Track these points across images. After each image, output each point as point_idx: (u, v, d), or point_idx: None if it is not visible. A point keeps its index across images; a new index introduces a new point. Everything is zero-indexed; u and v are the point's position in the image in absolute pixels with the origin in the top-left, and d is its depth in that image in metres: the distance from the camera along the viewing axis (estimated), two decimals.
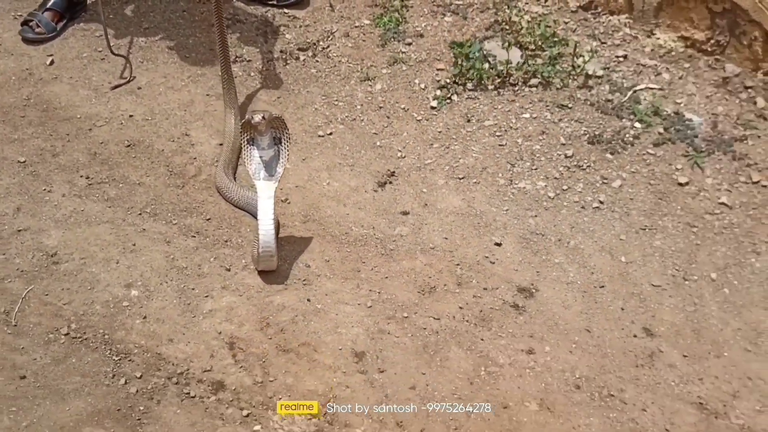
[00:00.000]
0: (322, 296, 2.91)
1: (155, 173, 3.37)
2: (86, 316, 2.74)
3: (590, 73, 4.03)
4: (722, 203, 3.48)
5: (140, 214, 3.16)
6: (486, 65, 3.99)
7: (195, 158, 3.50)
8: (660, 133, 3.76)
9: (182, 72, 4.00)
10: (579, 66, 4.03)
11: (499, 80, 3.99)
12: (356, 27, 4.35)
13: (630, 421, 2.62)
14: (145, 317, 2.76)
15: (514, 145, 3.72)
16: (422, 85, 4.02)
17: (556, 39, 4.14)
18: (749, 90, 3.97)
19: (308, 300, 2.89)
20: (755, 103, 3.90)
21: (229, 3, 4.38)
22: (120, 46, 4.10)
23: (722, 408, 2.71)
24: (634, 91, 3.98)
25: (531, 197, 3.50)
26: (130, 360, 2.63)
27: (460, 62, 4.04)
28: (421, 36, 4.28)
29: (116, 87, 3.87)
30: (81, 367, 2.59)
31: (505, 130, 3.79)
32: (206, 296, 2.85)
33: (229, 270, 2.97)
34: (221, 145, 3.58)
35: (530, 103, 3.91)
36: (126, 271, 2.90)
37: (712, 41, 4.07)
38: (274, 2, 4.36)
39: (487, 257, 3.19)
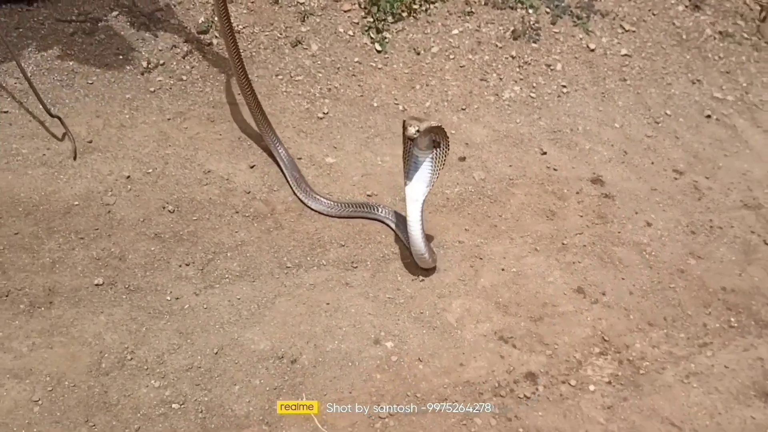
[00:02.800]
0: (503, 260, 3.07)
1: (239, 225, 2.94)
2: (380, 391, 2.53)
3: None
4: (625, 55, 4.34)
5: (287, 273, 2.81)
6: None
7: (248, 192, 3.09)
8: (548, 12, 4.37)
9: (111, 102, 3.30)
10: None
11: (408, 6, 4.11)
12: None
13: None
14: (420, 359, 2.65)
15: (471, 63, 4.00)
16: (350, 32, 3.95)
17: None
18: None
19: (502, 270, 3.03)
20: None
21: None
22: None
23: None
24: None
25: (521, 102, 3.90)
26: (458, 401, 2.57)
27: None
28: None
29: (75, 155, 3.08)
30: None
31: (453, 51, 4.02)
32: (438, 312, 2.81)
33: (423, 280, 2.92)
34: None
35: (446, 18, 4.15)
36: (359, 331, 2.66)
37: None
38: None
39: (548, 167, 3.59)
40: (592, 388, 2.64)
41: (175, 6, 3.66)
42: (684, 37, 4.44)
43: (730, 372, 2.82)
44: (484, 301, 2.82)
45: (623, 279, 3.06)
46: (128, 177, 2.95)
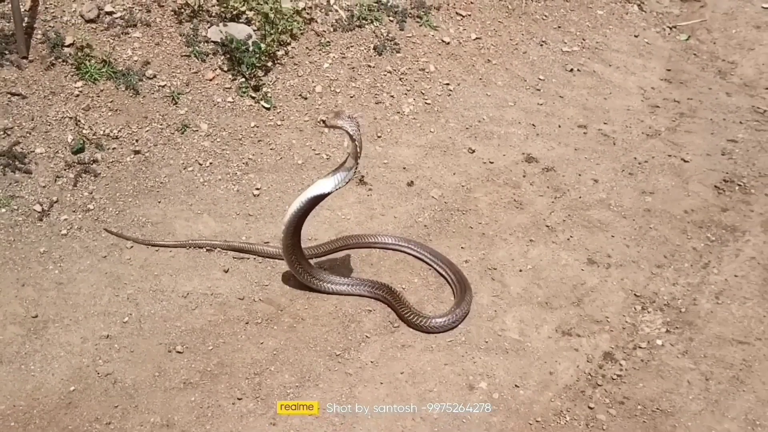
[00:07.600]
0: (512, 262, 3.04)
1: (260, 335, 2.62)
2: None
3: None
4: (476, 38, 4.48)
5: (342, 361, 2.56)
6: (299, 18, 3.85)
7: (242, 298, 2.77)
8: (392, 20, 4.38)
9: (27, 264, 2.81)
10: None
11: (270, 55, 3.92)
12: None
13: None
14: (516, 385, 2.54)
15: (358, 91, 3.91)
16: (228, 99, 3.69)
17: None
18: None
19: (520, 271, 3.00)
20: None
21: None
22: None
23: None
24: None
25: (423, 112, 3.88)
26: None
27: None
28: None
29: None
30: None
31: (335, 84, 3.90)
32: (500, 335, 2.71)
33: None
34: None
35: (309, 55, 4.01)
36: (449, 385, 2.49)
37: None
38: None
39: (484, 162, 3.61)
40: (659, 342, 2.69)
41: (30, 133, 3.13)
42: (510, 7, 4.67)
43: (741, 279, 3.01)
44: (527, 306, 2.77)
45: (613, 236, 3.16)
46: (107, 336, 2.49)
